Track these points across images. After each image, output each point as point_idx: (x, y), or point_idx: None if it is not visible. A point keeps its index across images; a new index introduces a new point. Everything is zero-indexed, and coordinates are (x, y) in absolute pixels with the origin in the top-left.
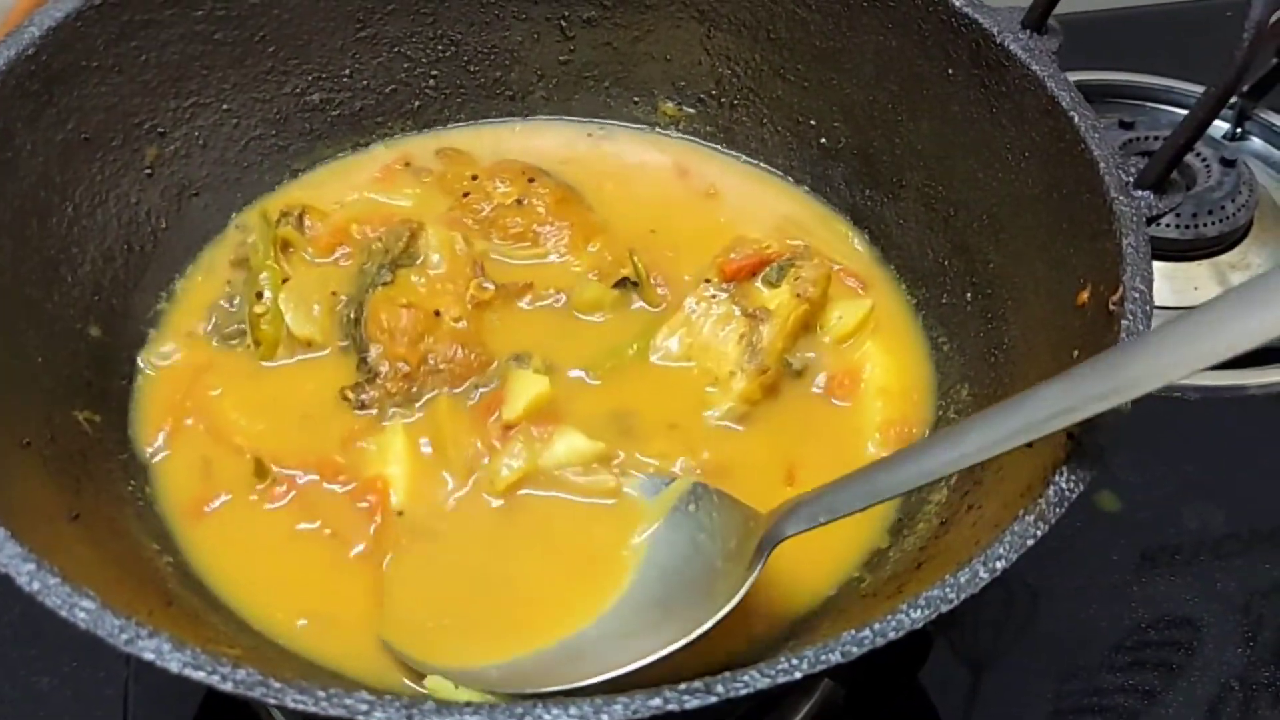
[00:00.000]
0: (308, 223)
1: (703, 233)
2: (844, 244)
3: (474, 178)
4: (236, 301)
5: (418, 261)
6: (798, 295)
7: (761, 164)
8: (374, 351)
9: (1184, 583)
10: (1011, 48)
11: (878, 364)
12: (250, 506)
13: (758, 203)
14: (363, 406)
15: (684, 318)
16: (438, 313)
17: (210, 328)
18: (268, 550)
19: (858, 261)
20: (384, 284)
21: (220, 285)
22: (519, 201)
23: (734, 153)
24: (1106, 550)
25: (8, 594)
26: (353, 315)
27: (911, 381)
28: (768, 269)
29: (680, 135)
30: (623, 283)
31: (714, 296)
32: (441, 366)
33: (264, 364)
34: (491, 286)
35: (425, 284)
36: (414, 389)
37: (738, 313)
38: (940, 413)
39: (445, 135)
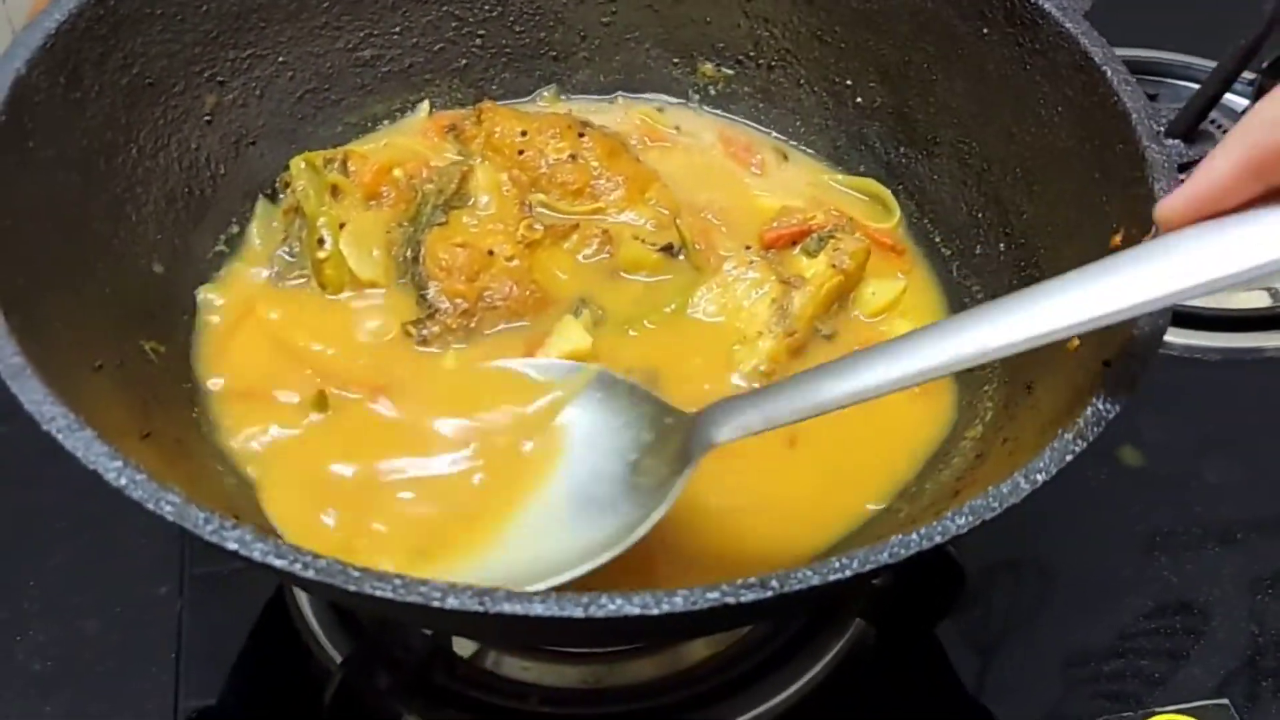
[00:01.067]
0: (351, 167)
1: (746, 200)
2: (880, 213)
3: (523, 134)
4: (296, 249)
5: (469, 202)
6: (833, 266)
7: (799, 137)
8: (433, 288)
9: (1203, 535)
10: (1045, 6)
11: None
12: (304, 435)
13: (799, 176)
14: (424, 341)
15: (721, 279)
16: (491, 251)
17: (273, 274)
18: (315, 476)
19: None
20: (439, 224)
21: (277, 236)
22: (573, 157)
23: (770, 128)
24: (1127, 504)
25: (52, 541)
26: (410, 254)
27: None
28: (808, 239)
29: (713, 110)
30: (668, 248)
31: (752, 262)
32: (498, 303)
33: (328, 296)
34: (540, 227)
35: (477, 224)
36: (472, 324)
37: (773, 279)
38: None
39: None
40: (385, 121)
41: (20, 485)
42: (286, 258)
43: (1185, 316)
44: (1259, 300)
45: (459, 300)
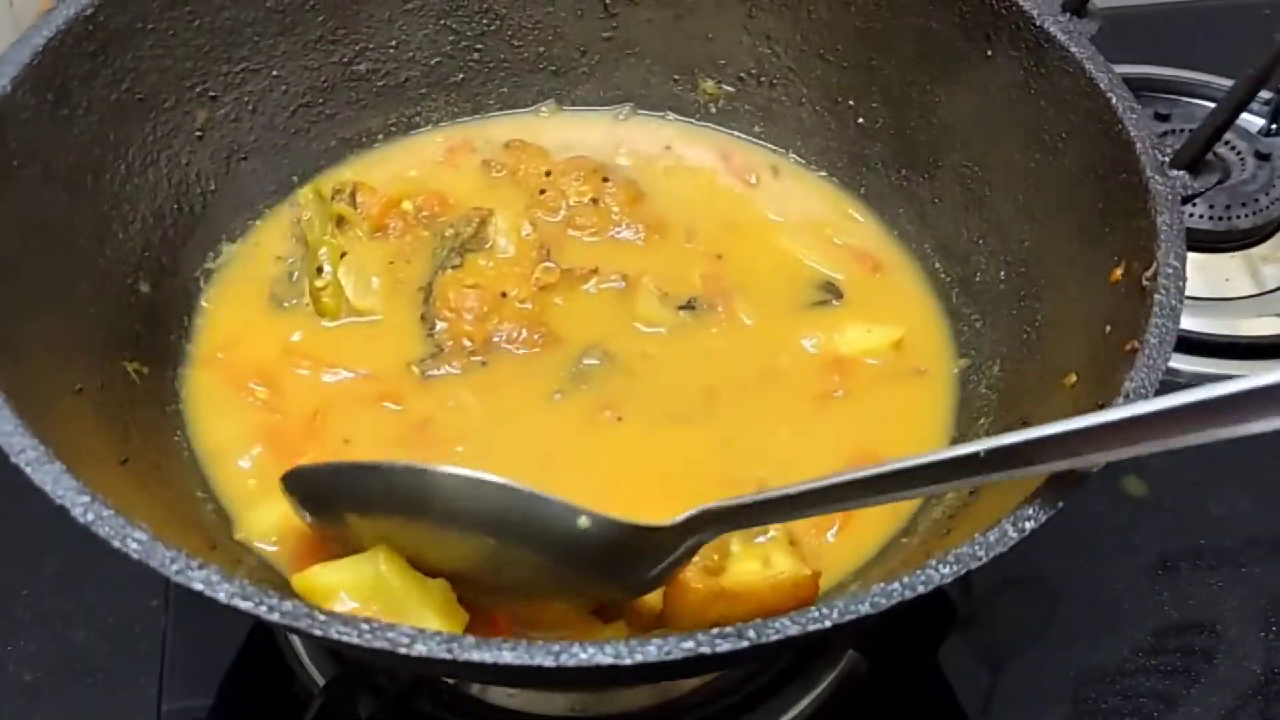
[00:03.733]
0: (360, 199)
1: (747, 227)
2: (874, 231)
3: (548, 174)
4: (295, 276)
5: (486, 246)
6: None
7: (799, 154)
8: (440, 327)
9: (1209, 565)
10: (1051, 30)
11: None
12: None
13: (793, 189)
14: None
15: None
16: (505, 294)
17: (270, 297)
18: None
19: (888, 251)
20: (453, 267)
21: (269, 252)
22: (594, 201)
23: (770, 144)
24: (1130, 533)
25: (44, 549)
26: (424, 296)
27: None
28: None
29: (714, 125)
30: (688, 306)
31: None
32: (506, 345)
33: (325, 323)
34: (555, 267)
35: (493, 267)
36: (483, 359)
37: None
38: (971, 388)
39: (490, 123)
40: (380, 136)
41: (14, 494)
42: (288, 282)
43: (1192, 344)
44: (1268, 328)
45: (465, 340)
